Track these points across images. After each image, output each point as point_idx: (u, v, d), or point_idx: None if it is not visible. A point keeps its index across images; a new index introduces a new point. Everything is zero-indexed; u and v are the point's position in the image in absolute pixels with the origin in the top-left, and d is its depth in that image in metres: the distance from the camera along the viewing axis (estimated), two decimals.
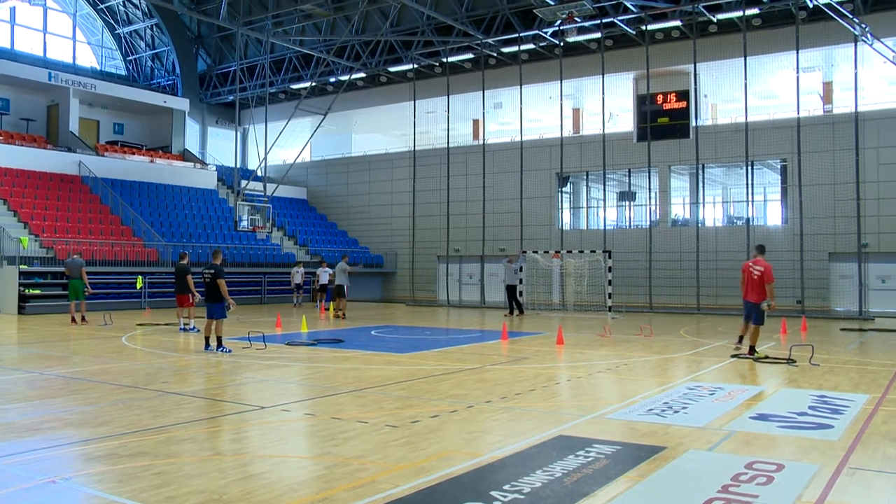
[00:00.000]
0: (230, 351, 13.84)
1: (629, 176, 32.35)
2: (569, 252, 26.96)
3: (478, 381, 10.72)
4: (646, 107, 30.06)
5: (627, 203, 33.66)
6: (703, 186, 30.68)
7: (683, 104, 29.76)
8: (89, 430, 7.61)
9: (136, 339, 16.70)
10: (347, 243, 39.58)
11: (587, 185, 34.08)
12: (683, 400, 9.24)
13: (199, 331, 17.85)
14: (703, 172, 30.38)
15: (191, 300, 18.07)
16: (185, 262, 18.25)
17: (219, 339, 13.93)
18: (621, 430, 7.73)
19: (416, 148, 34.09)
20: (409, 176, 35.31)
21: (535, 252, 26.76)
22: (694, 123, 29.64)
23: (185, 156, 39.13)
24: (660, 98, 30.02)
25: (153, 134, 39.67)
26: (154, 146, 38.94)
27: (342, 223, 40.96)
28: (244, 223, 28.91)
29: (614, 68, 30.38)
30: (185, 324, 18.35)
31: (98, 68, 39.93)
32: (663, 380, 11.03)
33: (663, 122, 29.99)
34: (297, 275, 29.36)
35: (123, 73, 41.05)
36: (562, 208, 33.79)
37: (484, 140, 33.31)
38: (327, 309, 27.07)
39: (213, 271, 13.96)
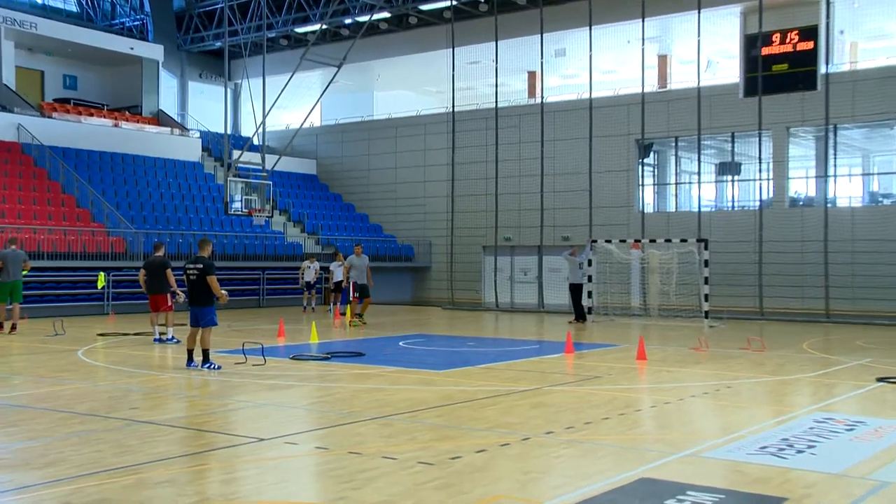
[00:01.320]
0: (219, 367, 13.97)
1: (732, 142, 32.05)
2: (652, 241, 26.71)
3: (535, 407, 10.70)
4: (756, 50, 29.27)
5: (730, 177, 33.35)
6: (835, 154, 30.05)
7: (809, 44, 28.62)
8: (34, 472, 7.37)
9: (97, 353, 16.94)
10: (368, 230, 39.95)
11: (676, 156, 33.80)
12: (809, 436, 8.92)
13: (179, 342, 18.13)
14: (835, 135, 29.74)
15: (169, 302, 18.26)
16: (160, 254, 18.46)
17: (205, 353, 14.08)
18: (724, 473, 7.55)
19: (456, 109, 34.12)
20: (446, 145, 35.37)
21: (609, 241, 26.61)
22: (824, 70, 28.62)
23: (159, 118, 39.68)
24: (776, 38, 29.08)
25: (117, 90, 40.08)
26: (119, 106, 39.38)
27: (361, 205, 41.32)
28: (237, 205, 29.22)
29: (713, 1, 29.95)
30: (161, 333, 18.59)
31: (40, 2, 39.20)
32: (780, 409, 10.91)
33: (780, 69, 29.00)
34: (309, 271, 29.67)
35: (75, 9, 40.51)
36: (643, 185, 33.55)
37: (543, 98, 33.25)
38: (343, 314, 27.28)
39: (199, 266, 14.09)
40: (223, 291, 14.22)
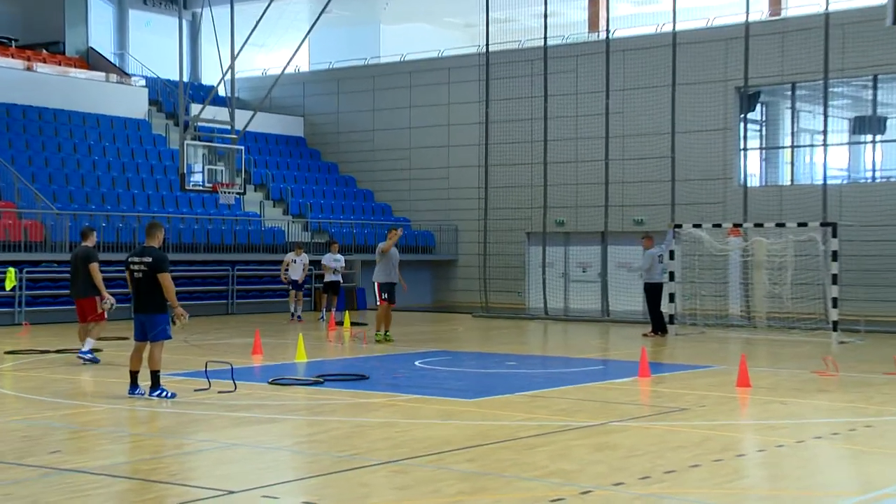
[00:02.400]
0: (173, 395, 14.02)
1: (874, 88, 31.80)
2: (758, 226, 26.57)
3: (598, 449, 10.69)
4: None
5: (871, 137, 33.12)
6: None
7: None
8: None
9: (4, 377, 17.04)
10: (373, 211, 40.18)
11: (793, 109, 33.57)
12: None
13: (96, 361, 18.21)
14: None
15: (99, 308, 18.21)
16: (88, 243, 18.47)
17: (154, 376, 14.12)
18: None
19: (491, 48, 34.09)
20: (477, 97, 35.35)
21: (698, 226, 26.50)
22: None
23: (89, 60, 39.86)
24: None
25: (29, 21, 40.26)
26: (33, 42, 39.54)
27: (364, 178, 41.49)
28: (197, 178, 29.32)
29: None
30: (91, 349, 18.60)
31: None
32: None
33: None
34: (295, 266, 29.73)
35: None
36: (745, 149, 33.33)
37: (608, 33, 33.20)
38: (340, 323, 27.39)
39: (147, 261, 14.11)
40: (180, 308, 14.16)
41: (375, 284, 23.22)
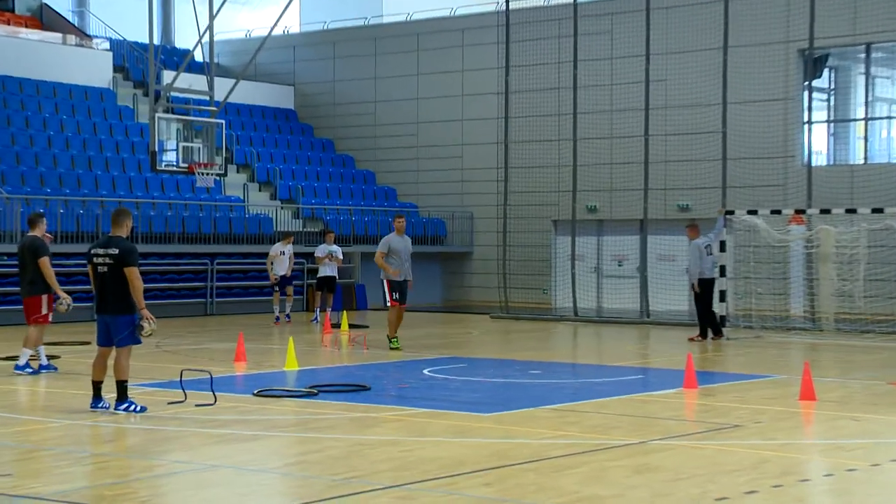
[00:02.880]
0: (143, 409, 14.02)
1: None
2: (825, 212, 26.47)
3: (637, 472, 10.69)
4: None
5: None
6: None
7: None
8: None
9: None
10: (375, 195, 40.27)
11: (867, 75, 33.51)
12: None
13: (52, 370, 18.22)
14: None
15: (44, 309, 18.01)
16: (37, 232, 18.39)
17: (121, 387, 14.11)
18: None
19: (512, 5, 34.06)
20: (496, 63, 35.26)
21: (754, 213, 26.43)
22: None
23: (43, 19, 39.90)
24: None
25: None
26: None
27: (364, 157, 41.63)
28: (170, 157, 29.41)
29: None
30: (31, 358, 18.20)
31: None
32: None
33: None
34: (281, 259, 29.63)
35: None
36: (810, 122, 33.22)
37: None
38: (336, 325, 27.50)
39: (113, 253, 14.08)
40: (147, 311, 14.06)
41: (384, 283, 22.90)
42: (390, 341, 22.66)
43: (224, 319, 30.86)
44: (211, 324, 29.41)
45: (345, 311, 28.58)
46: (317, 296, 30.31)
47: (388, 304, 23.00)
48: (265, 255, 31.16)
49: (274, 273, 29.64)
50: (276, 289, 30.03)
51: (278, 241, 31.01)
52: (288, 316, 29.74)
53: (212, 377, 15.43)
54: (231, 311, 32.84)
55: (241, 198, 36.39)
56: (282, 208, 36.72)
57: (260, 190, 38.08)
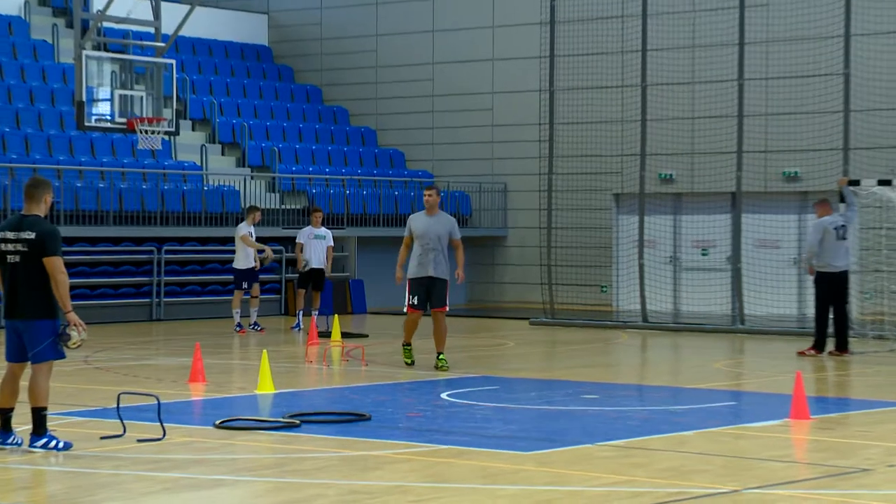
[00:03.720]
0: (68, 446, 14.05)
1: None
2: None
3: None
4: None
5: None
6: None
7: None
8: None
9: None
10: (376, 160, 40.30)
11: None
12: None
13: None
14: None
15: None
16: None
17: (39, 416, 14.14)
18: None
19: None
20: None
21: (886, 182, 26.36)
22: None
23: None
24: None
25: None
26: None
27: (361, 109, 41.80)
28: (103, 109, 29.43)
29: None
30: None
31: None
32: None
33: None
34: (245, 253, 29.50)
35: None
36: None
37: None
38: (325, 333, 27.57)
39: (28, 237, 14.05)
40: (75, 316, 14.05)
41: (408, 282, 22.51)
42: (404, 353, 22.66)
43: (175, 326, 30.92)
44: (158, 332, 29.47)
45: (336, 316, 28.46)
46: (299, 295, 30.21)
47: (406, 309, 22.70)
48: (230, 240, 31.21)
49: (240, 265, 29.41)
50: (246, 285, 29.75)
51: (245, 217, 30.63)
52: (256, 324, 29.76)
53: (159, 403, 15.43)
54: (185, 315, 32.96)
55: (199, 164, 36.46)
56: (252, 178, 36.81)
57: (223, 154, 38.20)
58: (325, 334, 27.35)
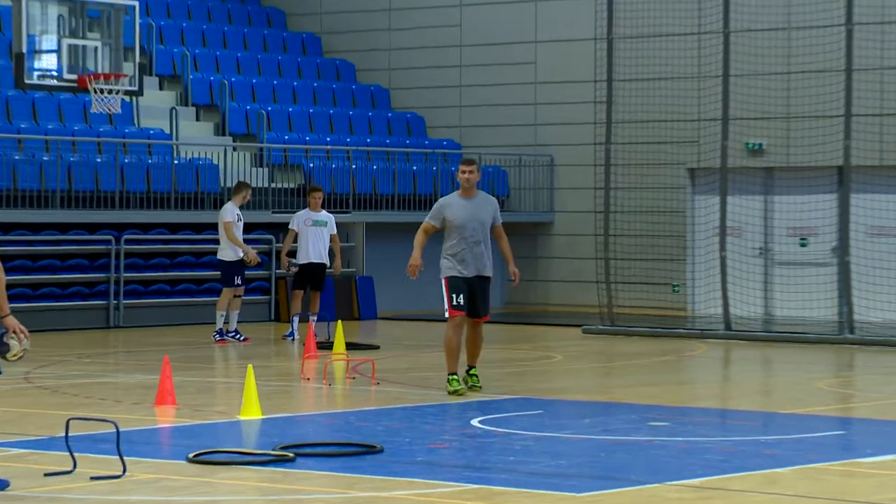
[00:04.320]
0: (5, 484, 14.02)
1: None
2: None
3: None
4: None
5: None
6: None
7: None
8: None
9: None
10: (390, 127, 40.51)
11: None
12: None
13: None
14: None
15: None
16: None
17: None
18: None
19: None
20: None
21: None
22: None
23: None
24: None
25: None
26: None
27: (371, 64, 42.02)
28: (48, 63, 29.56)
29: None
30: None
31: None
32: None
33: None
34: (227, 247, 29.54)
35: None
36: None
37: None
38: (325, 343, 27.56)
39: None
40: (14, 321, 14.05)
41: (443, 282, 22.48)
42: (449, 381, 21.71)
43: (138, 335, 31.02)
44: (117, 341, 29.56)
45: (340, 322, 28.50)
46: (295, 297, 30.28)
47: (446, 313, 22.18)
48: (212, 227, 31.23)
49: (224, 256, 29.40)
50: (239, 280, 29.68)
51: (228, 199, 30.81)
52: (236, 333, 29.70)
53: (118, 431, 15.41)
54: (150, 321, 33.06)
55: (167, 132, 36.50)
56: (235, 150, 36.88)
57: (198, 119, 38.28)
58: (326, 345, 27.36)
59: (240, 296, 29.78)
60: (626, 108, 33.95)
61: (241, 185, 30.41)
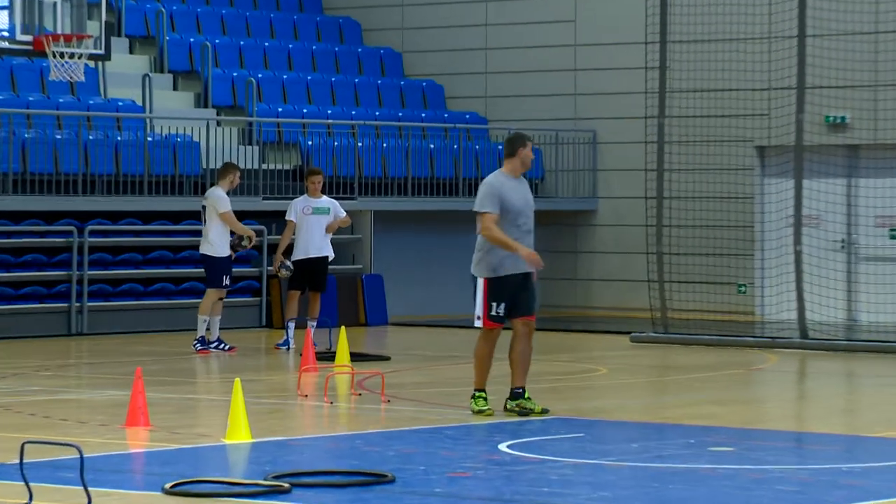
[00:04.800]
0: None
1: None
2: None
3: None
4: None
5: None
6: None
7: None
8: None
9: None
10: (403, 99, 40.72)
11: None
12: None
13: None
14: None
15: None
16: None
17: None
18: None
19: None
20: None
21: None
22: None
23: None
24: None
25: None
26: None
27: (379, 22, 42.36)
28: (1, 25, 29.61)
29: None
30: None
31: None
32: None
33: None
34: (223, 233, 29.54)
35: None
36: None
37: None
38: (325, 354, 27.72)
39: None
40: None
41: (480, 283, 21.82)
42: (475, 398, 21.40)
43: (106, 343, 31.13)
44: (81, 350, 29.68)
45: (343, 329, 28.55)
46: (291, 298, 30.37)
47: (480, 321, 21.56)
48: (194, 215, 31.40)
49: (207, 251, 29.41)
50: (227, 280, 29.87)
51: (213, 182, 30.98)
52: (220, 342, 29.83)
53: (82, 456, 15.53)
54: (118, 328, 33.17)
55: (139, 104, 36.58)
56: (219, 124, 37.00)
57: (175, 88, 38.37)
58: (327, 356, 27.47)
59: (223, 298, 29.85)
60: (682, 74, 34.05)
61: (227, 167, 30.44)
